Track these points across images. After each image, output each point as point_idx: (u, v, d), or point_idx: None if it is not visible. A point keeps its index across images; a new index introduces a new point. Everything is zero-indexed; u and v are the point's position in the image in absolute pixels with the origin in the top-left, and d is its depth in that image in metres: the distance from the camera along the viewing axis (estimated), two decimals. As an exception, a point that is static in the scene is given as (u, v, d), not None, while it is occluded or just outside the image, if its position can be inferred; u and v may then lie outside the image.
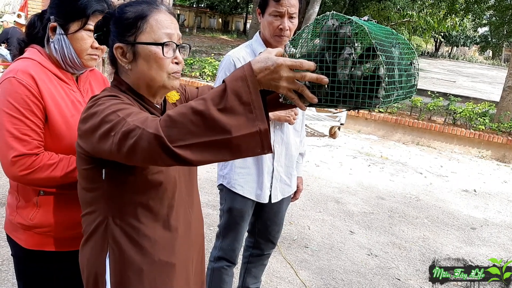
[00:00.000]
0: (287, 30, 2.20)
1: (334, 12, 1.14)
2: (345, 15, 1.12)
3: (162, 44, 1.24)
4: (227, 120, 1.00)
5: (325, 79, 1.07)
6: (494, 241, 4.60)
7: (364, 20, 1.18)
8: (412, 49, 1.29)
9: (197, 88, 1.60)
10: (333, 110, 1.23)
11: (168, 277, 1.35)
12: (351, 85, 1.09)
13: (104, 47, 1.57)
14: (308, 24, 1.18)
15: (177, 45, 1.28)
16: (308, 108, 1.19)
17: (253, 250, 2.70)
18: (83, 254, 1.35)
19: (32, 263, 1.60)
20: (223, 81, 1.05)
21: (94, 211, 1.30)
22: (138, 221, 1.28)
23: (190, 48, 1.37)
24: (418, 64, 1.29)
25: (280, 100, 1.19)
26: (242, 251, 2.80)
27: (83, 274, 1.36)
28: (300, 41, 1.17)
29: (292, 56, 1.16)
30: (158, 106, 1.36)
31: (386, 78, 1.08)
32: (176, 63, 1.29)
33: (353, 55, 1.09)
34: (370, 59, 1.10)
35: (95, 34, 1.34)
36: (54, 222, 1.54)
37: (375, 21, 1.24)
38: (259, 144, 1.03)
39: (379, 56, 1.07)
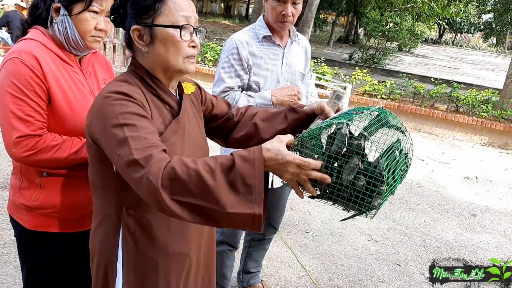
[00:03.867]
0: (289, 16, 2.17)
1: (349, 122, 1.18)
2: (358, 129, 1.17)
3: (180, 27, 1.23)
4: (226, 195, 1.06)
5: (328, 179, 1.14)
6: (494, 228, 4.61)
7: (378, 108, 1.26)
8: (411, 141, 1.36)
9: (215, 97, 1.59)
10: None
11: (182, 266, 1.36)
12: (351, 190, 1.16)
13: (108, 30, 1.56)
14: (323, 124, 1.23)
15: (194, 29, 1.27)
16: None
17: (255, 235, 2.71)
18: (94, 239, 1.35)
19: (35, 244, 1.61)
20: (232, 155, 1.10)
21: (105, 195, 1.30)
22: (151, 212, 1.27)
23: (206, 32, 1.36)
24: (413, 154, 1.35)
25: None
26: (244, 236, 2.81)
27: (93, 260, 1.35)
28: (311, 141, 1.21)
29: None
30: (173, 93, 1.36)
31: (386, 191, 1.14)
32: (193, 46, 1.28)
33: (359, 166, 1.15)
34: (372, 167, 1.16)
35: (111, 16, 1.32)
36: (57, 203, 1.55)
37: (385, 108, 1.31)
38: (249, 225, 1.09)
39: (384, 177, 1.13)
